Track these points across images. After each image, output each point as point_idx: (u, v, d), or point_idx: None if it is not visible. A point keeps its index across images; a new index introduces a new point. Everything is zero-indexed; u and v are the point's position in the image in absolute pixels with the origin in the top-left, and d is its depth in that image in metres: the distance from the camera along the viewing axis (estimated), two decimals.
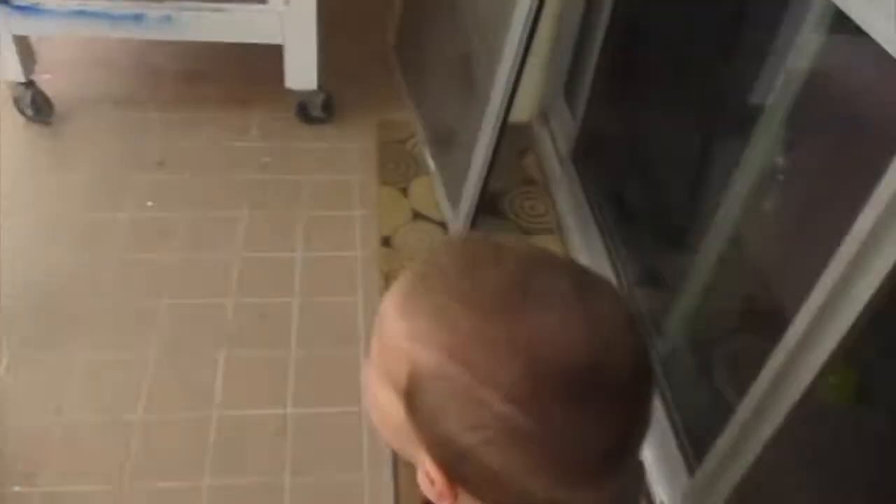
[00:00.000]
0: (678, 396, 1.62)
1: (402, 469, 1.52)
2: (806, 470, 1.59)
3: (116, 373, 1.67)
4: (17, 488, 1.46)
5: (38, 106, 2.28)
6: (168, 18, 2.12)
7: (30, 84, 2.23)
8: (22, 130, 2.29)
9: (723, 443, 1.29)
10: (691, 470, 1.44)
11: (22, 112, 2.28)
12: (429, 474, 0.53)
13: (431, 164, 2.21)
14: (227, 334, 1.77)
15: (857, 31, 1.00)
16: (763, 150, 1.45)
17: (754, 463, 1.24)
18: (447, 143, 2.19)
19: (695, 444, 1.49)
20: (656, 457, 1.57)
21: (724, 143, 1.76)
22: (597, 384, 0.47)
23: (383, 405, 0.54)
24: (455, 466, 0.51)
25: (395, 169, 2.24)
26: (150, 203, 2.09)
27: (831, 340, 1.05)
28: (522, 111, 2.40)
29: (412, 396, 0.50)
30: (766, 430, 1.19)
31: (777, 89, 1.51)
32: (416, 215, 2.09)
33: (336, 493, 1.50)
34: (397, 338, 0.51)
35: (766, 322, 1.50)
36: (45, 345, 1.71)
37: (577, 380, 0.46)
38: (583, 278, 0.51)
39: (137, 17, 2.11)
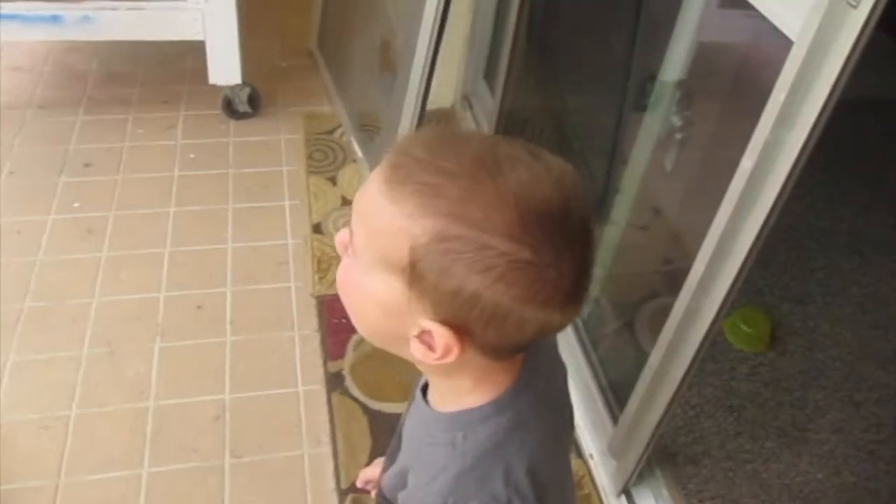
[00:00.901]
0: (603, 357, 1.70)
1: (340, 444, 1.57)
2: (726, 414, 1.69)
3: (49, 372, 1.67)
4: None
5: None
6: (87, 18, 2.12)
7: None
8: None
9: (639, 389, 1.37)
10: (615, 421, 1.52)
11: None
12: (427, 340, 0.60)
13: (358, 151, 2.26)
14: (161, 327, 1.78)
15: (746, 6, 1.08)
16: (661, 115, 1.54)
17: (669, 405, 1.31)
18: (372, 130, 2.23)
19: (619, 399, 1.56)
20: (583, 414, 1.65)
21: (633, 114, 1.84)
22: (566, 217, 0.57)
23: (375, 289, 0.60)
24: (461, 316, 0.58)
25: (324, 159, 2.28)
26: (76, 204, 2.08)
27: (725, 281, 1.13)
28: (445, 97, 2.46)
29: (416, 266, 0.56)
30: (676, 372, 1.27)
31: (674, 61, 1.61)
32: (346, 201, 2.13)
33: (277, 471, 1.53)
34: (391, 220, 0.57)
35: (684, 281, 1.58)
36: None
37: (555, 217, 0.56)
38: (530, 146, 0.59)
39: (55, 18, 2.10)
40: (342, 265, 0.64)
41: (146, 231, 2.02)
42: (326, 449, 1.56)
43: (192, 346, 1.75)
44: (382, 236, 0.58)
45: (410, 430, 0.74)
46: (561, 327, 0.61)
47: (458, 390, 0.67)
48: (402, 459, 0.75)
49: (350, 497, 1.47)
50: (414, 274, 0.57)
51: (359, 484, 1.05)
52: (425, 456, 0.69)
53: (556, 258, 0.56)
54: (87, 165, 2.21)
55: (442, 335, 0.59)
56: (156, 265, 1.92)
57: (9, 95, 2.44)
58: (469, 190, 0.55)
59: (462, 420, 0.66)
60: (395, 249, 0.57)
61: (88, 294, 1.84)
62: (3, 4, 2.05)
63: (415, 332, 0.60)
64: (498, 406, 0.66)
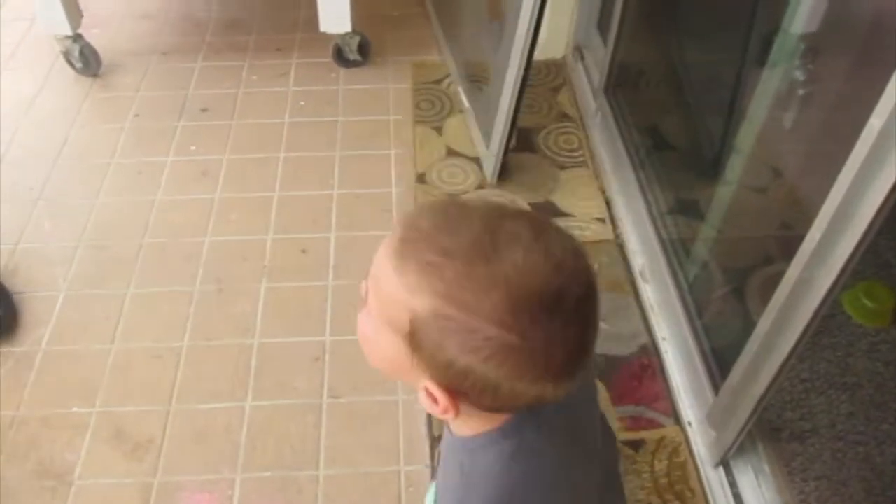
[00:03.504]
0: (708, 323, 1.63)
1: None
2: (839, 391, 1.59)
3: (164, 305, 1.77)
4: (76, 409, 1.58)
5: (86, 59, 2.37)
6: None
7: (77, 38, 2.32)
8: (72, 83, 2.39)
9: (744, 359, 1.31)
10: (717, 390, 1.46)
11: (71, 65, 2.38)
12: (431, 395, 0.64)
13: (465, 101, 2.23)
14: (267, 268, 1.84)
15: None
16: (784, 70, 1.43)
17: (775, 378, 1.25)
18: (480, 80, 2.20)
19: (721, 367, 1.50)
20: (684, 380, 1.60)
21: (754, 68, 1.73)
22: (560, 301, 0.58)
23: (384, 347, 0.64)
24: (456, 384, 0.61)
25: (430, 108, 2.27)
26: (193, 147, 2.17)
27: (843, 251, 1.04)
28: (556, 48, 2.39)
29: (415, 336, 0.60)
30: (785, 344, 1.20)
31: (801, 12, 1.49)
32: (451, 152, 2.12)
33: (372, 413, 1.57)
34: (395, 292, 0.60)
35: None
36: (97, 281, 1.82)
37: (545, 300, 0.58)
38: (537, 222, 0.61)
39: None
40: (360, 316, 0.68)
41: (256, 175, 2.08)
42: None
43: (295, 288, 1.80)
44: (389, 302, 0.62)
45: (442, 445, 0.78)
46: (557, 398, 0.63)
47: (468, 425, 0.70)
48: (437, 473, 0.80)
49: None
50: (414, 342, 0.60)
51: None
52: (444, 476, 0.75)
53: (545, 343, 0.58)
54: (203, 110, 2.29)
55: (440, 397, 0.63)
56: (264, 208, 1.99)
57: (136, 43, 2.55)
58: (462, 273, 0.57)
59: (468, 446, 0.70)
60: (399, 317, 0.60)
61: (201, 233, 1.92)
62: None
63: (421, 385, 0.64)
64: (504, 432, 0.68)
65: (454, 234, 0.59)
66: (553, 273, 0.58)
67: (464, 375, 0.59)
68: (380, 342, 0.65)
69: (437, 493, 0.79)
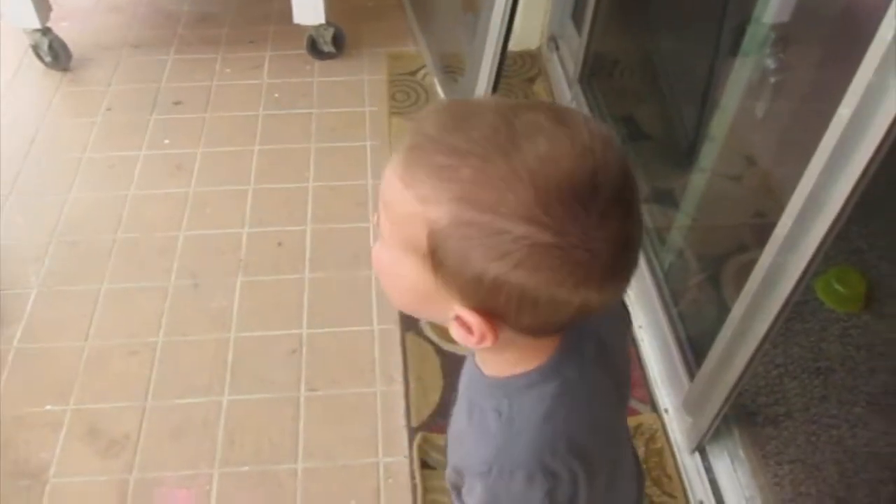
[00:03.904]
0: (683, 311, 1.64)
1: (412, 383, 1.58)
2: (812, 376, 1.61)
3: (139, 301, 1.75)
4: (49, 406, 1.56)
5: (55, 52, 2.33)
6: None
7: (46, 31, 2.28)
8: (41, 77, 2.35)
9: (719, 345, 1.32)
10: (692, 377, 1.47)
11: (40, 59, 2.34)
12: (465, 323, 0.57)
13: (441, 92, 2.23)
14: (243, 262, 1.83)
15: None
16: (756, 59, 1.44)
17: (749, 363, 1.26)
18: (455, 71, 2.19)
19: (697, 354, 1.52)
20: (660, 368, 1.61)
21: (727, 58, 1.74)
22: (595, 189, 0.51)
23: (406, 275, 0.58)
24: (489, 302, 0.55)
25: (406, 100, 2.26)
26: (166, 141, 2.14)
27: (814, 238, 1.05)
28: (531, 39, 2.39)
29: (436, 252, 0.54)
30: (759, 329, 1.21)
31: (772, 2, 1.50)
32: None
33: (350, 406, 1.57)
34: (407, 206, 0.54)
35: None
36: (70, 277, 1.80)
37: (578, 189, 0.51)
38: (557, 110, 0.55)
39: None
40: (374, 248, 0.62)
41: (231, 168, 2.06)
42: (399, 388, 1.59)
43: (272, 282, 1.79)
44: (402, 221, 0.55)
45: (464, 388, 0.72)
46: (604, 307, 0.57)
47: (504, 361, 0.64)
48: (457, 420, 0.73)
49: (420, 435, 1.49)
50: (435, 260, 0.54)
51: None
52: (471, 424, 0.68)
53: (585, 237, 0.51)
54: (176, 103, 2.27)
55: (474, 322, 0.56)
56: (239, 202, 1.97)
57: (107, 35, 2.51)
58: (480, 170, 0.51)
59: (508, 387, 0.64)
60: (415, 235, 0.54)
61: (176, 227, 1.90)
62: None
63: (451, 315, 0.58)
64: (543, 373, 0.63)
65: (465, 132, 0.52)
66: (583, 159, 0.51)
67: (496, 290, 0.53)
68: (399, 271, 0.58)
69: (450, 445, 0.73)
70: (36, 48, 2.32)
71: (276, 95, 2.28)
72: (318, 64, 2.39)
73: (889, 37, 0.86)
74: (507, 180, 0.50)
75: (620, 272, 0.55)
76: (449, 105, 0.57)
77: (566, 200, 0.50)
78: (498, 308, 0.55)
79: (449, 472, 0.70)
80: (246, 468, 1.47)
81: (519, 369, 0.64)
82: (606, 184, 0.52)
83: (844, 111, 0.94)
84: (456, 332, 0.59)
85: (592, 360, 0.67)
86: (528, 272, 0.52)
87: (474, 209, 0.51)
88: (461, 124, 0.53)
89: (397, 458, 1.49)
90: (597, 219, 0.51)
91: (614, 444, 0.76)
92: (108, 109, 2.25)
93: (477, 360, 0.68)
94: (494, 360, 0.66)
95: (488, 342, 0.57)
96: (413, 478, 1.44)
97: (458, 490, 0.70)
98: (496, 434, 0.64)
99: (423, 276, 0.56)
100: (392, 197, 0.55)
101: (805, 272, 1.10)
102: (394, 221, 0.57)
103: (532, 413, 0.63)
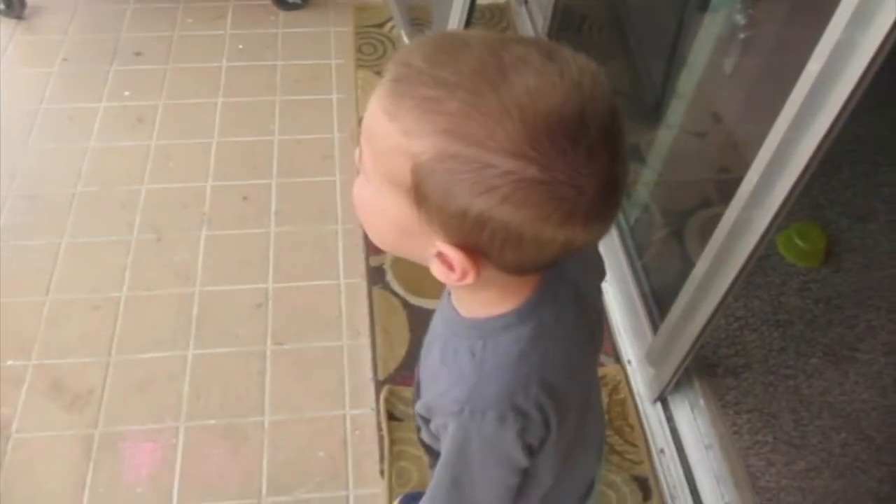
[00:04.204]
0: (647, 264, 1.66)
1: (379, 337, 1.59)
2: (772, 328, 1.65)
3: (100, 255, 1.72)
4: (10, 362, 1.53)
5: (9, 0, 2.24)
6: None
7: None
8: None
9: (682, 299, 1.34)
10: (656, 329, 1.50)
11: None
12: (446, 260, 0.57)
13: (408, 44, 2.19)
14: (207, 215, 1.80)
15: None
16: (724, 14, 1.44)
17: (711, 317, 1.28)
18: (423, 24, 2.16)
19: (660, 307, 1.54)
20: (623, 320, 1.63)
21: (695, 13, 1.74)
22: (582, 125, 0.51)
23: (388, 210, 0.57)
24: (473, 238, 0.54)
25: (373, 52, 2.22)
26: (127, 93, 2.09)
27: (779, 194, 1.07)
28: None
29: (419, 187, 0.53)
30: (722, 283, 1.23)
31: None
32: None
33: (316, 359, 1.57)
34: (391, 139, 0.53)
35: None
36: (30, 231, 1.76)
37: (566, 125, 0.50)
38: (546, 44, 0.54)
39: None
40: (356, 183, 0.61)
41: (194, 121, 2.02)
42: (365, 341, 1.59)
43: (236, 236, 1.77)
44: (385, 155, 0.54)
45: (439, 330, 0.72)
46: (587, 245, 0.57)
47: (482, 301, 0.65)
48: (429, 360, 0.73)
49: (386, 388, 1.50)
50: (418, 195, 0.53)
51: None
52: (445, 362, 0.68)
53: (572, 174, 0.51)
54: (137, 54, 2.21)
55: (456, 259, 0.56)
56: (203, 155, 1.93)
57: None
58: (468, 103, 0.50)
59: (483, 328, 0.65)
60: (398, 169, 0.53)
61: (138, 181, 1.87)
62: None
63: (432, 251, 0.57)
64: (520, 315, 0.64)
65: (453, 64, 0.51)
66: (572, 94, 0.50)
67: (481, 225, 0.52)
68: (381, 207, 0.57)
69: (423, 383, 0.74)
70: None
71: (240, 47, 2.23)
72: (282, 15, 2.34)
73: None
74: (496, 114, 0.50)
75: (605, 211, 0.54)
76: (436, 37, 0.55)
77: (554, 136, 0.50)
78: (481, 244, 0.54)
79: (420, 405, 0.70)
80: (212, 421, 1.47)
81: (495, 311, 0.64)
82: (595, 120, 0.51)
83: (813, 66, 0.95)
84: (437, 269, 0.58)
85: (569, 306, 0.67)
86: (513, 207, 0.51)
87: (461, 142, 0.50)
88: (449, 57, 0.52)
89: (364, 410, 1.50)
90: (584, 155, 0.51)
91: (585, 388, 0.77)
92: (65, 60, 2.18)
93: (453, 301, 0.68)
94: (471, 299, 0.66)
95: (470, 279, 0.57)
96: (380, 429, 1.45)
97: (427, 422, 0.71)
98: (469, 374, 0.64)
99: (405, 211, 0.55)
100: (375, 130, 0.54)
101: (769, 227, 1.11)
102: (377, 155, 0.55)
103: (506, 354, 0.63)
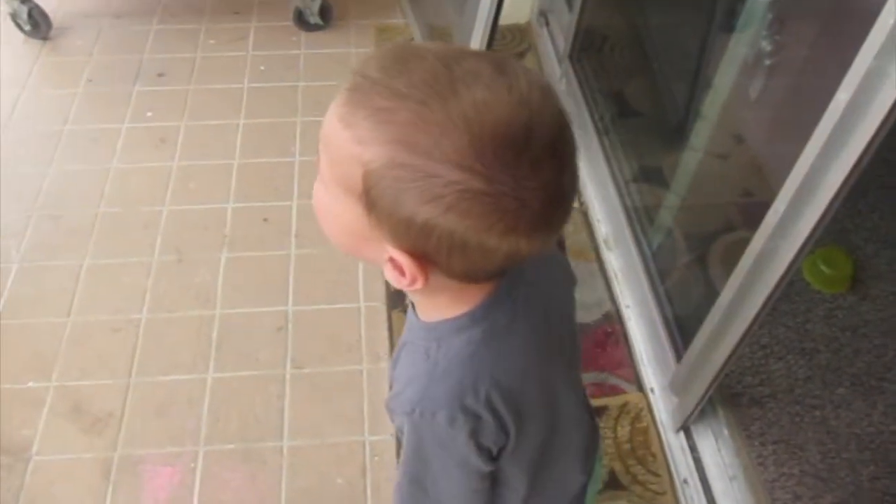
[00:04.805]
0: (670, 290, 1.64)
1: None
2: (797, 356, 1.62)
3: (122, 277, 1.73)
4: (31, 384, 1.54)
5: (35, 21, 2.27)
6: None
7: None
8: (21, 46, 2.30)
9: (707, 327, 1.32)
10: (679, 357, 1.48)
11: (20, 27, 2.29)
12: (398, 265, 0.59)
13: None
14: (228, 237, 1.81)
15: None
16: (750, 38, 1.42)
17: (737, 346, 1.26)
18: None
19: (684, 334, 1.52)
20: (646, 347, 1.61)
21: (720, 36, 1.72)
22: (528, 139, 0.52)
23: (340, 214, 0.59)
24: (420, 245, 0.56)
25: None
26: (149, 114, 2.10)
27: (807, 223, 1.05)
28: (521, 13, 2.36)
29: (369, 193, 0.55)
30: (748, 312, 1.21)
31: None
32: None
33: (336, 383, 1.56)
34: (345, 146, 0.55)
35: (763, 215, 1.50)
36: (52, 252, 1.77)
37: (510, 138, 0.52)
38: (499, 59, 0.55)
39: None
40: (315, 188, 0.63)
41: (216, 142, 2.03)
42: (385, 365, 1.58)
43: (257, 258, 1.77)
44: (339, 161, 0.56)
45: (405, 334, 0.74)
46: (532, 255, 0.58)
47: (436, 305, 0.66)
48: (397, 365, 0.75)
49: None
50: (369, 201, 0.55)
51: None
52: (404, 363, 0.70)
53: (515, 186, 0.52)
54: (160, 75, 2.23)
55: (405, 264, 0.58)
56: (224, 176, 1.94)
57: (87, 4, 2.45)
58: (418, 114, 0.52)
59: (438, 330, 0.66)
60: (351, 175, 0.55)
61: (160, 202, 1.88)
62: None
63: (385, 256, 0.59)
64: (473, 318, 0.65)
65: (406, 75, 0.53)
66: (518, 108, 0.52)
67: (427, 233, 0.54)
68: (336, 211, 0.60)
69: (393, 386, 0.74)
70: (15, 16, 2.26)
71: (262, 68, 2.25)
72: (304, 36, 2.35)
73: (890, 22, 0.84)
74: (443, 126, 0.51)
75: (550, 222, 0.56)
76: (393, 48, 0.57)
77: (499, 149, 0.51)
78: (429, 251, 0.56)
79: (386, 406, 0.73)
80: (231, 446, 1.47)
81: (450, 314, 0.65)
82: (540, 135, 0.53)
83: (842, 96, 0.93)
84: (389, 273, 0.60)
85: (527, 311, 0.68)
86: (457, 217, 0.53)
87: (409, 152, 0.52)
88: (403, 68, 0.54)
89: (383, 436, 1.48)
90: (528, 168, 0.52)
91: (550, 394, 0.75)
92: (90, 80, 2.20)
93: (415, 305, 0.70)
94: (427, 304, 0.67)
95: (419, 284, 0.59)
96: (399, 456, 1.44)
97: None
98: (422, 375, 0.66)
99: (357, 216, 0.57)
100: (331, 137, 0.56)
101: (796, 258, 1.09)
102: (332, 161, 0.58)
103: (457, 356, 0.65)
